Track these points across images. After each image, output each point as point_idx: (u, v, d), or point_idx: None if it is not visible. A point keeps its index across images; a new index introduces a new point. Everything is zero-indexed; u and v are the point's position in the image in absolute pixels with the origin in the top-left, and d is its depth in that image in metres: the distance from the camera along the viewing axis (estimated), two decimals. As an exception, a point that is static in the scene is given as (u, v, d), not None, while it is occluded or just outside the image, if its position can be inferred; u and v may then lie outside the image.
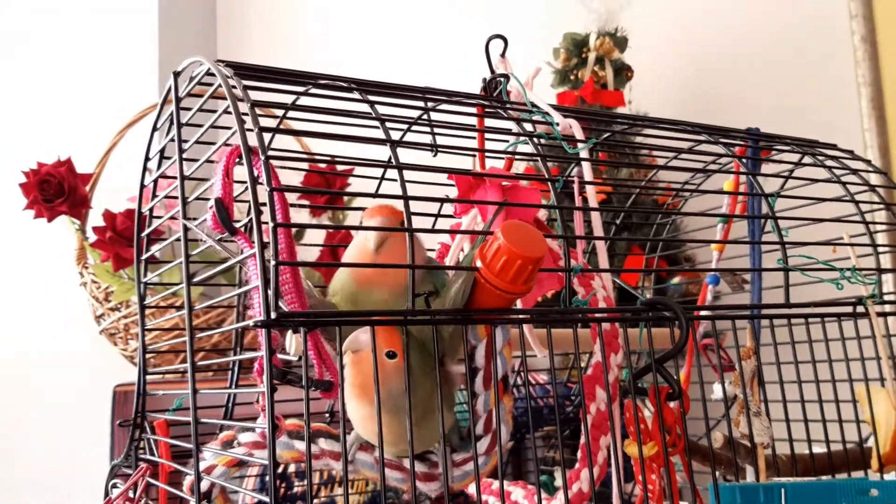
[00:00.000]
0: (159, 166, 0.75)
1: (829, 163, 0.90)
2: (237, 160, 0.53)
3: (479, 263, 0.56)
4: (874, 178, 0.94)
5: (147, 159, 0.74)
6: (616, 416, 0.66)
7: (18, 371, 2.07)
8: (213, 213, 0.52)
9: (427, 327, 0.57)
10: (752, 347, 0.72)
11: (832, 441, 0.78)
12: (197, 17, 2.22)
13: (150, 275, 0.81)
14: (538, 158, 0.64)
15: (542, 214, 0.69)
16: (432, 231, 0.63)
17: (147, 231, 0.75)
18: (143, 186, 0.77)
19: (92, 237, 1.50)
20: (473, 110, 0.76)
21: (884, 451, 0.78)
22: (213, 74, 0.59)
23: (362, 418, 0.58)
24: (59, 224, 1.55)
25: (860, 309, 0.80)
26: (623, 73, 1.59)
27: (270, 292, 0.47)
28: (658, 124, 0.87)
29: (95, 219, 1.50)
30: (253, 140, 0.51)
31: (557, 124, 0.69)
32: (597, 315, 0.65)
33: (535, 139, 0.65)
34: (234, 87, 0.55)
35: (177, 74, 0.66)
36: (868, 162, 0.94)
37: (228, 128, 0.57)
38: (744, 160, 0.91)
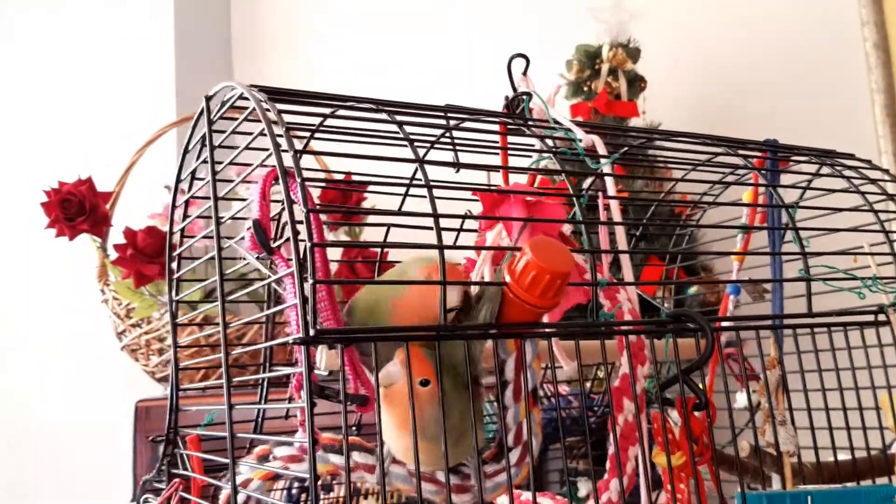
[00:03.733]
0: (190, 187, 0.77)
1: (848, 173, 0.91)
2: (273, 181, 0.55)
3: (507, 279, 0.58)
4: (891, 188, 0.95)
5: (178, 180, 0.76)
6: (644, 426, 0.67)
7: (40, 387, 2.09)
8: (251, 233, 0.53)
9: (455, 349, 0.59)
10: (776, 357, 0.73)
11: (856, 448, 0.79)
12: (213, 39, 2.25)
13: (180, 293, 0.83)
14: (561, 174, 0.66)
15: (567, 228, 0.71)
16: (460, 247, 0.64)
17: (179, 251, 0.77)
18: (174, 207, 0.78)
19: (113, 255, 1.53)
20: (496, 127, 0.78)
21: (908, 457, 0.79)
22: (245, 98, 0.61)
23: (405, 449, 0.59)
24: (81, 242, 1.58)
25: (881, 317, 0.81)
26: (636, 83, 1.61)
27: (309, 310, 0.49)
28: (676, 137, 0.89)
29: (116, 236, 1.52)
30: (289, 162, 0.52)
31: (580, 140, 0.70)
32: (623, 328, 0.66)
33: (558, 155, 0.66)
34: (268, 110, 0.56)
35: (209, 98, 0.68)
36: (886, 171, 0.95)
37: (261, 149, 0.59)
38: (763, 171, 0.92)
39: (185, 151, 0.75)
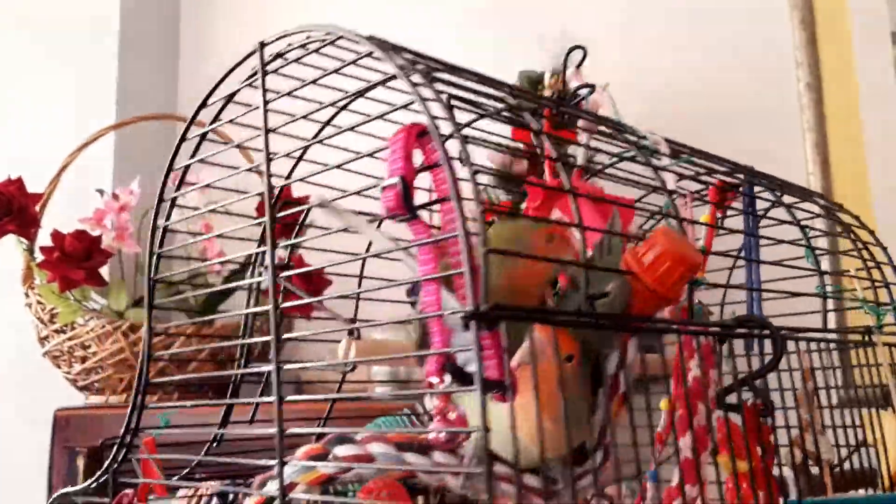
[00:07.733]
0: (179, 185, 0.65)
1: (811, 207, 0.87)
2: (418, 136, 0.43)
3: (634, 268, 0.48)
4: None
5: (170, 169, 0.63)
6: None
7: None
8: (395, 192, 0.42)
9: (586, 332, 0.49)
10: (808, 369, 0.67)
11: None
12: (159, 40, 2.01)
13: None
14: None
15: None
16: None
17: (160, 250, 0.64)
18: (161, 201, 0.65)
19: (40, 257, 1.34)
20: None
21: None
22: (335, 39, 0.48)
23: (548, 432, 0.47)
24: (7, 243, 1.37)
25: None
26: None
27: (480, 282, 0.38)
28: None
29: (45, 239, 1.33)
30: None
31: (645, 137, 0.62)
32: (692, 329, 0.58)
33: (649, 154, 0.58)
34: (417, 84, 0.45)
35: (263, 45, 0.58)
36: (853, 215, 0.91)
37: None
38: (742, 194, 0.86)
39: (182, 140, 0.61)
